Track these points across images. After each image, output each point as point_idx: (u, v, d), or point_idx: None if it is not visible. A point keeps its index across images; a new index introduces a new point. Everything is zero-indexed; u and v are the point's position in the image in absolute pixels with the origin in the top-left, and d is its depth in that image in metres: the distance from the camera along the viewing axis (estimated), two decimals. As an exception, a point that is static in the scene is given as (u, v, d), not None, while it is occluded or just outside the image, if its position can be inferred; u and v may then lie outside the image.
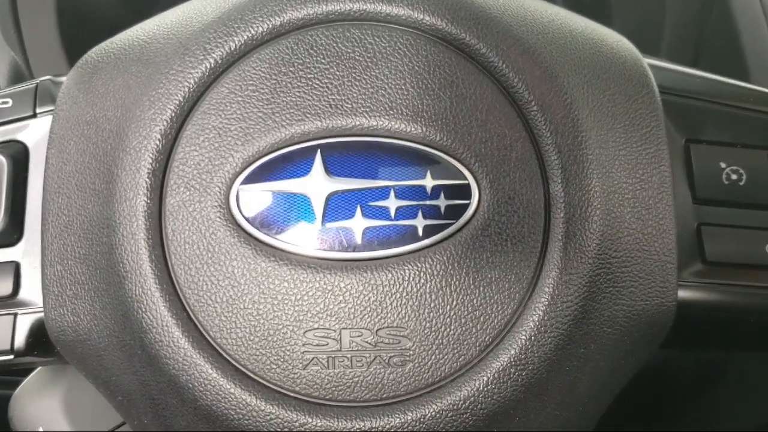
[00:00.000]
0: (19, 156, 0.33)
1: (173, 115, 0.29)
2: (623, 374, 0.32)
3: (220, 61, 0.29)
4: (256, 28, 0.29)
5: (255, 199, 0.28)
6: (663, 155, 0.31)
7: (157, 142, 0.29)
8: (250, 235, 0.28)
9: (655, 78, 0.33)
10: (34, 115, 0.34)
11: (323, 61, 0.29)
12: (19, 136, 0.33)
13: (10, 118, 0.34)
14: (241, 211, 0.28)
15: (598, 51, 0.32)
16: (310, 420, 0.27)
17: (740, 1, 0.69)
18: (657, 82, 0.33)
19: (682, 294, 0.31)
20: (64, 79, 0.35)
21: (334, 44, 0.29)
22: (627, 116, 0.31)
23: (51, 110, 0.33)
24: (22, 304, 0.32)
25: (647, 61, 0.34)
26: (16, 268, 0.32)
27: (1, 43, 0.70)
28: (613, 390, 0.32)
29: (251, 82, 0.29)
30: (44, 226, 0.31)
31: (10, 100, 0.34)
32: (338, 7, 0.30)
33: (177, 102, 0.29)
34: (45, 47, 0.71)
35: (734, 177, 0.32)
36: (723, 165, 0.32)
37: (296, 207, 0.28)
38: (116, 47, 0.33)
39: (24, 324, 0.32)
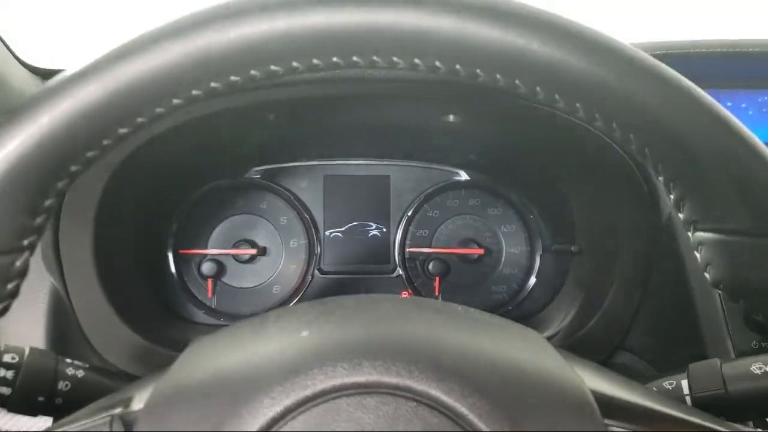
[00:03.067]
0: None
1: None
2: None
3: (264, 424, 0.36)
4: (293, 399, 0.36)
5: None
6: None
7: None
8: None
9: (602, 411, 0.40)
10: None
11: (344, 425, 0.36)
12: None
13: None
14: None
15: (555, 399, 0.39)
16: None
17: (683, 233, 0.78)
18: (603, 415, 0.40)
19: None
20: (134, 410, 0.42)
21: (353, 410, 0.36)
22: None
23: None
24: None
25: (596, 390, 0.42)
26: None
27: (43, 271, 0.78)
28: None
29: None
30: None
31: None
32: (356, 380, 0.37)
33: None
34: (82, 276, 0.78)
35: None
36: None
37: None
38: (177, 394, 0.39)
39: None
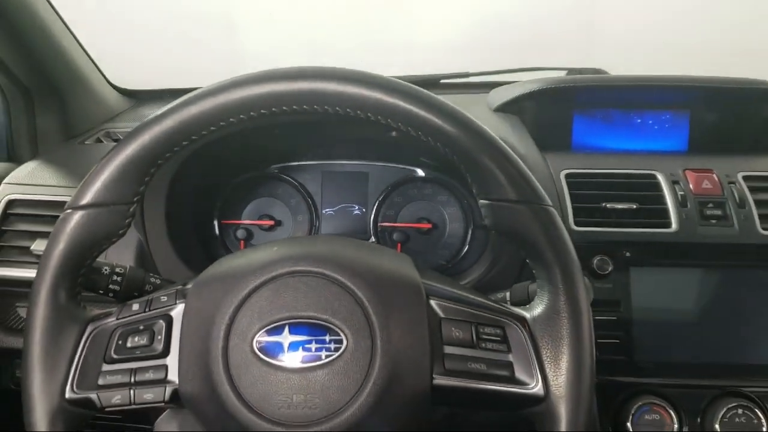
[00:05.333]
0: (168, 321, 0.63)
1: (233, 310, 0.60)
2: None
3: (252, 288, 0.64)
4: (266, 276, 0.64)
5: (263, 344, 0.60)
6: (424, 327, 0.61)
7: (227, 321, 0.60)
8: (260, 357, 0.58)
9: (427, 290, 0.65)
10: (175, 304, 0.64)
11: (290, 290, 0.64)
12: (168, 312, 0.65)
13: (166, 305, 0.65)
14: (258, 348, 0.59)
15: (399, 282, 0.66)
16: None
17: None
18: (427, 292, 0.64)
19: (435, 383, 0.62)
20: (189, 287, 0.69)
21: (295, 283, 0.62)
22: (408, 310, 0.62)
23: (182, 302, 0.64)
24: (168, 383, 0.61)
25: (426, 282, 0.69)
26: (166, 368, 0.62)
27: (133, 230, 1.01)
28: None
29: (263, 297, 0.60)
30: (181, 353, 0.63)
31: (166, 297, 0.68)
32: (297, 269, 0.65)
33: (234, 307, 0.60)
34: (157, 234, 1.06)
35: (458, 334, 0.68)
36: (452, 328, 0.69)
37: (278, 347, 0.62)
38: (209, 278, 0.70)
39: (168, 391, 0.64)
